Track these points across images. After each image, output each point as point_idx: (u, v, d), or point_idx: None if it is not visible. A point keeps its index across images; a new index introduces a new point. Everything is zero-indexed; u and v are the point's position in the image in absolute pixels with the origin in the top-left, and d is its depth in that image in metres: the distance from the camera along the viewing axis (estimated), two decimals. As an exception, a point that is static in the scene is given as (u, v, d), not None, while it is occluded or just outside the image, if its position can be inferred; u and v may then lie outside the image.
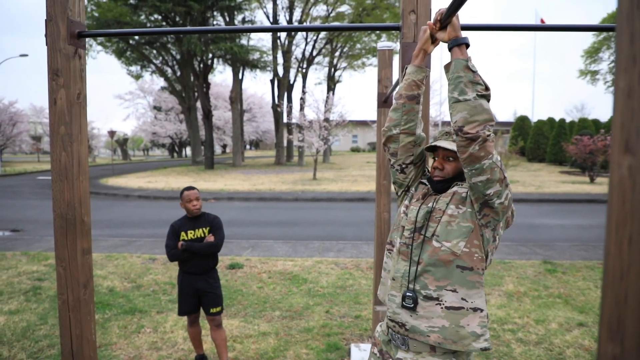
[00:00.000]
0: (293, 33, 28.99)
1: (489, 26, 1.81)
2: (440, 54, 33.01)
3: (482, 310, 1.59)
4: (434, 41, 1.61)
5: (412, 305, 1.61)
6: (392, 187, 2.00)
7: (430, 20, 1.83)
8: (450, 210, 1.62)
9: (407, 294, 1.63)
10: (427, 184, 1.78)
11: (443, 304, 1.58)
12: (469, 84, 1.45)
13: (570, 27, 1.78)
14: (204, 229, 3.38)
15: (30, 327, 4.16)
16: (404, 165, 1.78)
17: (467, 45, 1.49)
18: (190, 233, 3.33)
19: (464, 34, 1.53)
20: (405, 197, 1.83)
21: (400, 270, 1.68)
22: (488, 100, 1.49)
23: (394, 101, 1.73)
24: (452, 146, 1.66)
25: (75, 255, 1.97)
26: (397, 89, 1.70)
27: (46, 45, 1.92)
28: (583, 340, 3.92)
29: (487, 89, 1.48)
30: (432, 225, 1.63)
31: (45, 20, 1.91)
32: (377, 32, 29.13)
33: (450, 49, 1.50)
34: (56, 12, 1.89)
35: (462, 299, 1.58)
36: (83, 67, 2.00)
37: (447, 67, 1.53)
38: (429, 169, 1.87)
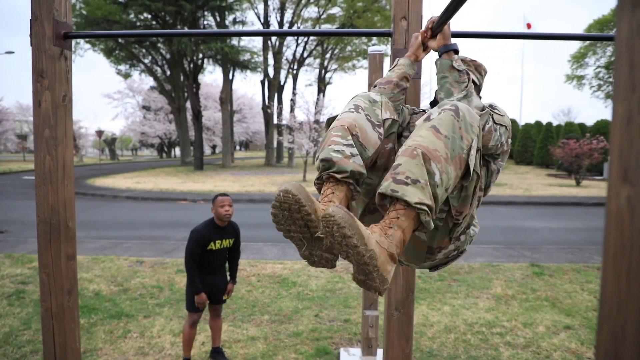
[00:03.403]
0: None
1: (482, 34, 1.81)
2: (431, 60, 33.20)
3: None
4: (425, 48, 1.61)
5: None
6: None
7: (421, 27, 1.82)
8: None
9: None
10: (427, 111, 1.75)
11: None
12: (455, 84, 1.45)
13: (566, 36, 1.79)
14: (229, 239, 3.52)
15: (13, 332, 4.08)
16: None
17: (456, 52, 1.49)
18: (218, 243, 3.45)
19: (456, 40, 1.53)
20: None
21: None
22: (478, 92, 1.49)
23: (378, 87, 1.62)
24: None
25: (60, 261, 1.93)
26: (385, 75, 1.64)
27: (31, 46, 1.88)
28: (570, 344, 3.94)
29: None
30: None
31: (30, 20, 1.87)
32: (368, 34, 29.18)
33: (440, 56, 1.50)
34: (41, 12, 1.85)
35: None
36: (69, 69, 1.96)
37: (436, 63, 1.53)
38: None
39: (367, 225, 1.57)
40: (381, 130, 1.43)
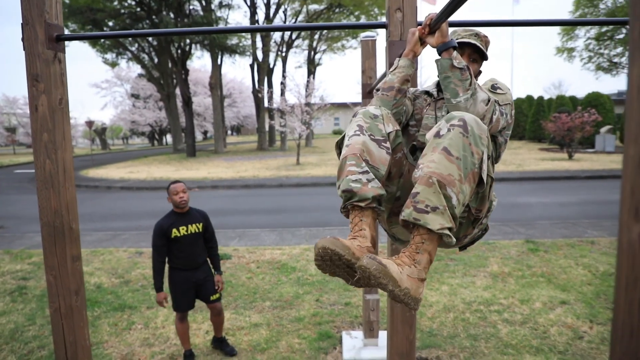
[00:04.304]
0: (271, 16, 28.56)
1: (478, 23, 1.81)
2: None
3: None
4: (423, 43, 1.62)
5: None
6: None
7: (416, 19, 1.82)
8: None
9: None
10: (431, 93, 1.78)
11: None
12: (459, 82, 1.48)
13: (574, 22, 1.80)
14: (197, 224, 3.42)
15: (18, 328, 4.12)
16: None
17: (455, 48, 1.50)
18: (183, 229, 3.34)
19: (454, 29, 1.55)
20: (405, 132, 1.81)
21: None
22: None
23: (381, 93, 1.65)
24: (482, 47, 1.73)
25: (65, 263, 1.95)
26: (385, 81, 1.66)
27: (24, 50, 1.86)
28: (566, 318, 4.05)
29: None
30: None
31: (22, 24, 1.85)
32: (357, 14, 28.89)
33: (439, 54, 1.52)
34: (33, 16, 1.83)
35: None
36: (63, 72, 1.95)
37: (437, 63, 1.56)
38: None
39: (395, 224, 1.63)
40: (388, 145, 1.49)
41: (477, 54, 1.75)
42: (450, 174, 1.28)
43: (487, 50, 1.78)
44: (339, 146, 1.57)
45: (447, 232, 1.27)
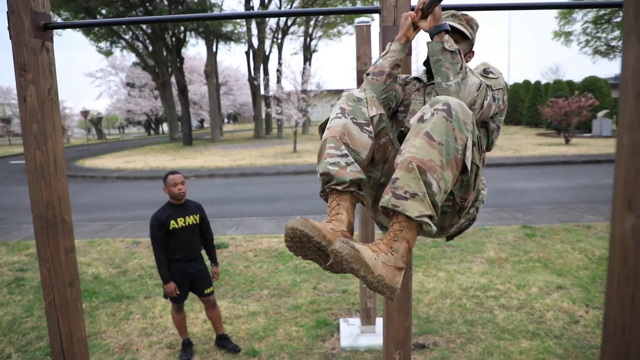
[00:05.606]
0: (266, 2, 28.23)
1: (475, 6, 1.78)
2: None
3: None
4: (416, 28, 1.59)
5: None
6: None
7: (410, 3, 1.79)
8: None
9: None
10: (420, 79, 1.75)
11: None
12: (450, 66, 1.45)
13: (571, 4, 1.76)
14: (194, 216, 3.40)
15: (16, 320, 4.12)
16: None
17: (447, 32, 1.47)
18: (181, 221, 3.33)
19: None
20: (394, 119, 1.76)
21: None
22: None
23: (371, 77, 1.62)
24: (460, 27, 1.66)
25: (59, 255, 1.93)
26: (376, 65, 1.63)
27: (10, 39, 1.83)
28: (562, 303, 4.07)
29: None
30: None
31: (7, 12, 1.81)
32: (353, -1, 28.60)
33: (431, 37, 1.49)
34: (18, 4, 1.79)
35: None
36: (52, 61, 1.91)
37: (428, 46, 1.53)
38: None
39: (379, 212, 1.62)
40: (370, 129, 1.46)
41: (456, 34, 1.68)
42: (431, 159, 1.24)
43: (473, 29, 1.70)
44: (323, 129, 1.54)
45: (427, 220, 1.23)
